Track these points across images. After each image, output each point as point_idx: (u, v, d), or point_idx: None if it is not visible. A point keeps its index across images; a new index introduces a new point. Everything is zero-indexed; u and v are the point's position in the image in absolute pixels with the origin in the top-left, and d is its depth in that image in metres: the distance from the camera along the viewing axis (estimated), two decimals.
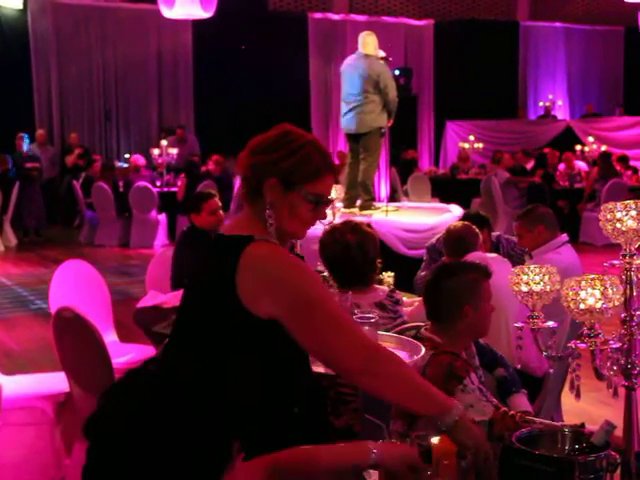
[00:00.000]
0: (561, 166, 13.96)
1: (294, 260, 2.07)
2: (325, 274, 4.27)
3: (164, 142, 13.53)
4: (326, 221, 4.74)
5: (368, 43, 7.82)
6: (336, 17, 17.00)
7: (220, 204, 5.18)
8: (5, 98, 13.56)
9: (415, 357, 2.07)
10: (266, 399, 2.04)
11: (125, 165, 14.12)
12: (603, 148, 14.55)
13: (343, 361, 2.03)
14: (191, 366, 2.03)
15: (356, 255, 3.50)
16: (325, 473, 1.95)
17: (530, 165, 13.75)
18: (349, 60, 8.00)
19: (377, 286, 3.65)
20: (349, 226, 3.62)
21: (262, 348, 2.03)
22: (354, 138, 7.96)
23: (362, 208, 7.93)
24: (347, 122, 7.90)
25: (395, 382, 2.04)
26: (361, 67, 7.74)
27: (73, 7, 14.88)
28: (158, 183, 12.95)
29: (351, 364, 2.02)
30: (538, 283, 1.93)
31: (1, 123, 13.38)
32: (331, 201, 2.22)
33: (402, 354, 2.12)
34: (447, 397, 2.09)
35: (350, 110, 7.81)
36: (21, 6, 14.30)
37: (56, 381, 3.90)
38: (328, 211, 5.04)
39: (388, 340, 2.16)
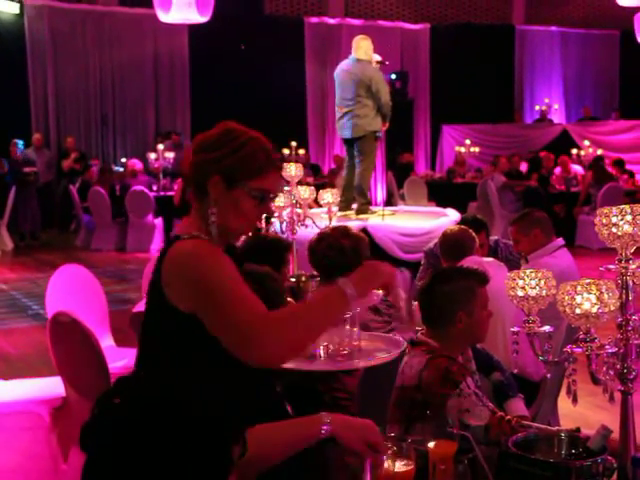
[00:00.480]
0: (557, 170, 13.98)
1: (210, 255, 2.04)
2: (319, 279, 4.28)
3: (161, 146, 13.52)
4: (322, 226, 4.76)
5: (360, 47, 7.84)
6: (332, 21, 17.03)
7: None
8: (2, 102, 13.55)
9: (394, 352, 2.05)
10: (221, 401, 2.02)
11: (121, 169, 14.12)
12: (599, 152, 14.57)
13: (240, 344, 1.95)
14: (148, 368, 2.06)
15: (352, 259, 3.50)
16: (280, 449, 1.92)
17: (524, 168, 13.78)
18: (342, 65, 8.03)
19: (372, 290, 3.65)
20: (340, 231, 3.62)
21: (193, 344, 2.02)
22: (349, 142, 7.98)
23: (358, 212, 7.93)
24: (341, 127, 7.94)
25: (301, 334, 1.98)
26: (353, 72, 7.77)
27: (69, 11, 14.88)
28: (154, 187, 12.93)
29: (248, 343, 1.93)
30: (534, 288, 1.94)
31: None
32: (276, 197, 2.21)
33: (383, 353, 2.10)
34: (334, 288, 2.04)
35: (344, 115, 7.84)
36: (18, 10, 14.32)
37: (52, 386, 3.90)
38: (324, 215, 5.06)
39: (369, 339, 2.15)
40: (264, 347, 1.93)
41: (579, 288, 1.75)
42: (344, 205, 7.84)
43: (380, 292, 3.63)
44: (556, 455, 2.00)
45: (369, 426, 1.95)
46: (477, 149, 16.48)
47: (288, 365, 1.98)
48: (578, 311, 1.75)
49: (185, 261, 2.04)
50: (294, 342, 1.98)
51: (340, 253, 3.53)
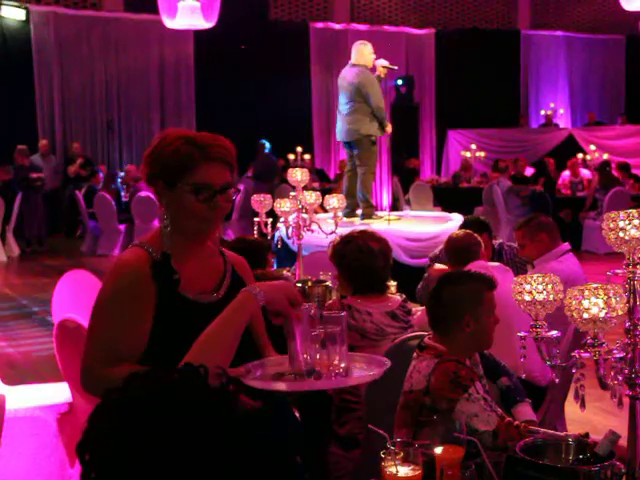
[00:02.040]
0: (566, 173, 13.95)
1: (121, 275, 2.16)
2: (328, 283, 4.28)
3: None
4: (328, 231, 4.76)
5: (358, 52, 7.91)
6: (337, 26, 17.05)
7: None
8: (8, 108, 13.59)
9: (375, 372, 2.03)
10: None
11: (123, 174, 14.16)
12: (605, 156, 14.54)
13: (81, 360, 2.15)
14: None
15: (380, 262, 3.55)
16: (233, 339, 2.00)
17: (530, 173, 13.75)
18: (342, 71, 8.12)
19: (390, 295, 3.66)
20: (368, 235, 3.65)
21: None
22: (348, 147, 8.06)
23: (364, 217, 7.94)
24: (338, 131, 8.06)
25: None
26: (348, 77, 7.87)
27: (75, 17, 14.93)
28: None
29: (81, 370, 2.14)
30: (541, 292, 1.93)
31: (4, 133, 13.41)
32: (222, 190, 2.21)
33: (370, 371, 2.08)
34: (238, 300, 2.06)
35: (341, 119, 7.94)
36: (24, 17, 14.37)
37: (59, 391, 3.90)
38: (330, 220, 5.06)
39: (356, 360, 2.13)
40: (85, 387, 2.17)
41: (587, 292, 1.75)
42: (348, 211, 7.85)
43: (398, 297, 3.63)
44: (564, 461, 1.99)
45: (286, 286, 2.10)
46: (483, 154, 16.47)
47: (277, 387, 1.99)
48: (586, 316, 1.74)
49: (110, 270, 2.21)
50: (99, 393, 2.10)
51: (370, 256, 3.56)
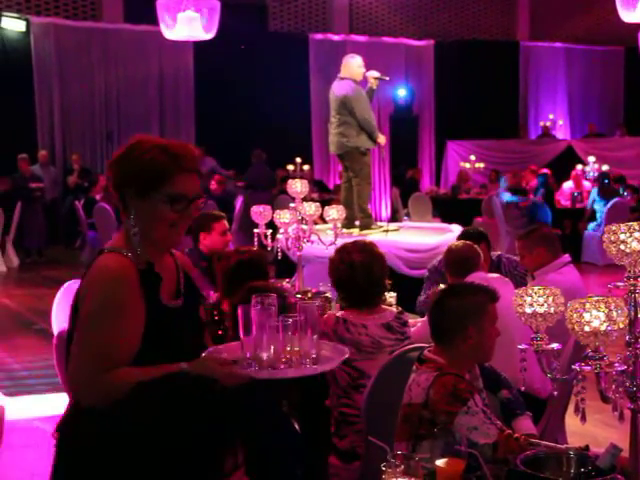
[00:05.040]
0: (568, 184, 13.95)
1: (110, 280, 2.14)
2: (328, 294, 4.28)
3: None
4: (328, 242, 4.76)
5: (345, 65, 7.95)
6: (336, 38, 17.09)
7: (228, 226, 5.20)
8: (8, 119, 13.60)
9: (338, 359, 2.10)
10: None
11: None
12: (605, 168, 14.56)
13: (72, 373, 2.17)
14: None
15: (360, 276, 3.48)
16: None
17: (534, 184, 13.76)
18: (332, 84, 8.16)
19: (385, 307, 3.63)
20: (358, 246, 3.62)
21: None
22: (340, 159, 8.13)
23: (362, 228, 7.94)
24: (330, 144, 8.09)
25: (116, 395, 2.07)
26: (335, 90, 7.91)
27: (75, 29, 14.95)
28: None
29: (75, 382, 2.15)
30: (542, 305, 1.93)
31: (4, 144, 13.42)
32: (194, 200, 2.25)
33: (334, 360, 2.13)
34: (170, 367, 2.10)
35: (330, 132, 7.99)
36: (24, 28, 14.39)
37: (58, 402, 3.89)
38: (329, 231, 5.06)
39: (324, 347, 2.17)
40: (75, 392, 2.19)
41: (588, 305, 1.75)
42: (346, 222, 7.85)
43: (393, 309, 3.63)
44: (565, 474, 1.99)
45: (210, 357, 2.13)
46: (482, 165, 16.49)
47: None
48: (587, 329, 1.74)
49: (95, 277, 2.16)
50: (101, 400, 2.11)
51: (350, 268, 3.52)
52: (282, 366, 2.02)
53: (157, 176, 2.17)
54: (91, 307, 2.15)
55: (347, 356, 2.09)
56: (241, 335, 2.07)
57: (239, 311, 2.13)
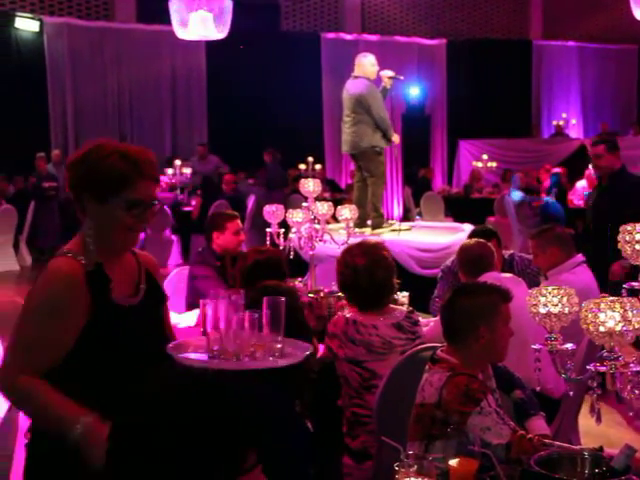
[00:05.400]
0: (582, 184, 13.87)
1: (51, 284, 2.19)
2: (339, 294, 4.28)
3: (178, 162, 13.57)
4: (340, 241, 4.76)
5: (359, 64, 7.92)
6: (349, 37, 17.07)
7: (242, 226, 5.20)
8: (22, 119, 13.67)
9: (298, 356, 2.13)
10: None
11: None
12: None
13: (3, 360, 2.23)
14: None
15: (363, 280, 3.47)
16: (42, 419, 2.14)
17: (547, 183, 13.70)
18: (346, 83, 8.13)
19: (394, 307, 3.62)
20: (362, 248, 3.60)
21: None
22: (354, 158, 8.08)
23: (374, 227, 7.93)
24: (343, 143, 8.05)
25: (22, 405, 2.20)
26: (350, 89, 7.87)
27: (88, 29, 15.00)
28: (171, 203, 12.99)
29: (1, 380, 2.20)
30: (556, 305, 1.92)
31: (18, 143, 13.48)
32: (151, 205, 2.29)
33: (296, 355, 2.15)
34: (74, 413, 2.10)
35: (344, 131, 7.95)
36: (38, 28, 14.46)
37: None
38: (342, 231, 5.06)
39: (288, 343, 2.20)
40: (10, 397, 2.22)
41: (603, 305, 1.74)
42: (359, 222, 7.84)
43: (403, 309, 3.62)
44: (579, 474, 1.98)
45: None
46: (494, 164, 16.43)
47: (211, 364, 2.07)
48: (602, 329, 1.73)
49: (39, 280, 2.23)
50: (14, 403, 2.25)
51: (353, 272, 3.51)
52: (246, 359, 2.05)
53: (116, 182, 2.20)
54: (26, 308, 2.21)
55: (309, 352, 2.14)
56: (208, 329, 2.09)
57: (202, 307, 2.17)
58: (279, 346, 2.09)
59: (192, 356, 2.10)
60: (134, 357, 2.21)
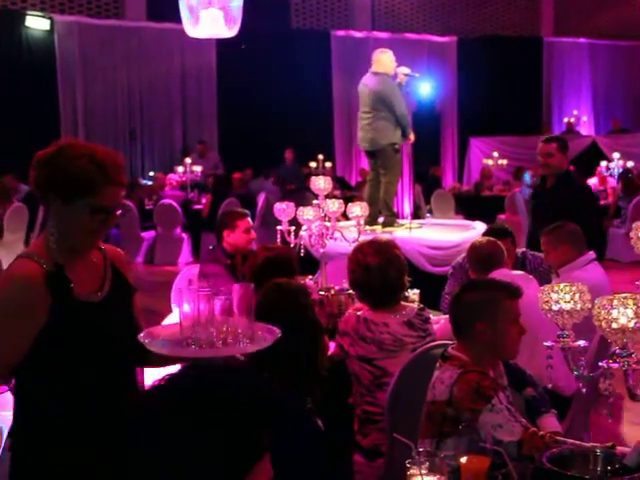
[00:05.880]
0: (592, 181, 13.82)
1: (9, 285, 2.22)
2: (350, 292, 4.27)
3: (188, 160, 13.61)
4: (351, 239, 4.75)
5: (379, 60, 7.88)
6: (359, 34, 17.05)
7: (252, 224, 5.19)
8: (32, 117, 13.71)
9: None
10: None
11: (149, 183, 14.25)
12: (630, 164, 14.41)
13: None
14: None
15: (375, 280, 3.47)
16: None
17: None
18: (363, 78, 8.08)
19: (405, 304, 3.61)
20: (373, 247, 3.58)
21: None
22: (371, 155, 8.03)
23: (385, 225, 7.92)
24: (360, 139, 8.02)
25: None
26: (370, 85, 7.83)
27: (98, 27, 15.03)
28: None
29: None
30: (568, 302, 1.91)
31: (28, 142, 13.51)
32: (117, 210, 2.30)
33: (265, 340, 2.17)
34: None
35: (363, 127, 7.90)
36: (48, 27, 14.50)
37: None
38: (353, 229, 5.06)
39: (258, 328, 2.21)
40: None
41: (615, 302, 1.73)
42: (370, 219, 7.83)
43: (414, 306, 3.61)
44: (592, 472, 1.97)
45: None
46: (505, 161, 16.39)
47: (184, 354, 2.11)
48: (615, 325, 1.72)
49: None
50: None
51: (365, 271, 3.51)
52: (219, 345, 2.07)
53: (83, 186, 2.20)
54: None
55: (279, 335, 2.16)
56: (180, 317, 2.11)
57: (175, 294, 2.19)
58: (250, 331, 2.11)
59: (166, 345, 2.12)
60: (101, 351, 2.25)
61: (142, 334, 2.16)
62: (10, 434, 2.32)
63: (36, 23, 14.38)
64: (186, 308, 2.08)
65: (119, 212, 2.30)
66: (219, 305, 2.10)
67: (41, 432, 2.22)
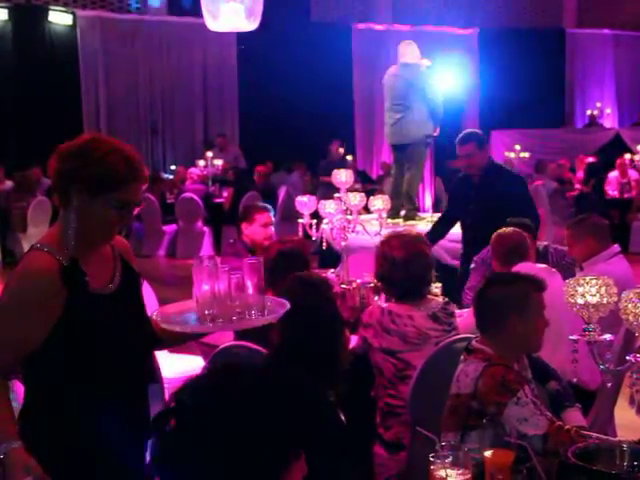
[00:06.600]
0: (614, 174, 13.71)
1: (24, 280, 2.22)
2: (372, 285, 4.26)
3: (209, 154, 13.64)
4: (373, 232, 4.74)
5: (408, 52, 7.81)
6: (379, 27, 16.99)
7: (273, 220, 5.17)
8: (55, 111, 13.80)
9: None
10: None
11: (171, 177, 14.31)
12: None
13: None
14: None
15: (400, 273, 3.46)
16: None
17: (581, 176, 13.54)
18: (391, 70, 7.98)
19: (431, 297, 3.60)
20: (401, 241, 3.57)
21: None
22: (400, 149, 7.93)
23: (406, 218, 7.89)
24: (392, 133, 7.88)
25: None
26: (404, 76, 7.73)
27: (120, 22, 15.10)
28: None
29: None
30: (594, 295, 1.89)
31: (51, 137, 13.59)
32: (138, 205, 2.37)
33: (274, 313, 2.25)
34: (3, 433, 2.15)
35: (395, 121, 7.77)
36: (71, 22, 14.58)
37: None
38: (374, 221, 5.04)
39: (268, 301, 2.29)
40: None
41: None
42: (393, 212, 7.80)
43: (440, 299, 3.59)
44: (618, 467, 1.95)
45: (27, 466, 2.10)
46: (527, 154, 16.27)
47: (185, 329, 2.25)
48: None
49: (15, 274, 2.25)
50: None
51: (391, 265, 3.50)
52: (235, 318, 2.15)
53: (114, 180, 2.22)
54: (3, 300, 2.24)
55: (288, 307, 2.24)
56: (195, 294, 2.18)
57: (193, 272, 2.21)
58: (262, 304, 2.19)
59: (184, 322, 2.21)
60: (117, 342, 2.27)
61: (155, 315, 2.20)
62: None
63: (59, 18, 14.46)
64: (205, 286, 2.14)
65: (141, 207, 2.36)
66: (234, 281, 2.16)
67: (50, 421, 2.24)
